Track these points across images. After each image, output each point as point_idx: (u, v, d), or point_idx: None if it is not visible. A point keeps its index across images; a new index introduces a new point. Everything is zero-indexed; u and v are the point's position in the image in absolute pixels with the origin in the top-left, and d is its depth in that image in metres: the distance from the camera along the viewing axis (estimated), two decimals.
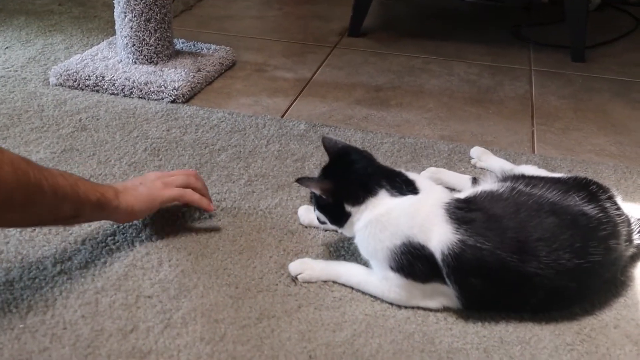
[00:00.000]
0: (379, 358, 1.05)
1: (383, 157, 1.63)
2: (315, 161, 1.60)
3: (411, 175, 1.20)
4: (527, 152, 1.72)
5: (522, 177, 1.25)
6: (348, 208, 1.16)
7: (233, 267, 1.24)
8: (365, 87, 2.08)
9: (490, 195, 1.18)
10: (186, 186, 1.33)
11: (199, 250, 1.28)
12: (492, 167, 1.57)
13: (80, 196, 1.11)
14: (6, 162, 0.96)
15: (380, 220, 1.12)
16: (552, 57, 2.39)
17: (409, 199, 1.14)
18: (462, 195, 1.23)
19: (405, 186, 1.16)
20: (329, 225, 1.23)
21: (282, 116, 1.87)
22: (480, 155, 1.61)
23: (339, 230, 1.22)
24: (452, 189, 1.48)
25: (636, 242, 1.23)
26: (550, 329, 1.12)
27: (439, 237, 1.08)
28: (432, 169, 1.54)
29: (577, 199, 1.16)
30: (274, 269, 1.24)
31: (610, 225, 1.14)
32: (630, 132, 1.85)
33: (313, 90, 2.05)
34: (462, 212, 1.12)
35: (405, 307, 1.15)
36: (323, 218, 1.22)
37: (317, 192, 1.18)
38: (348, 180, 1.17)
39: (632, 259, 1.27)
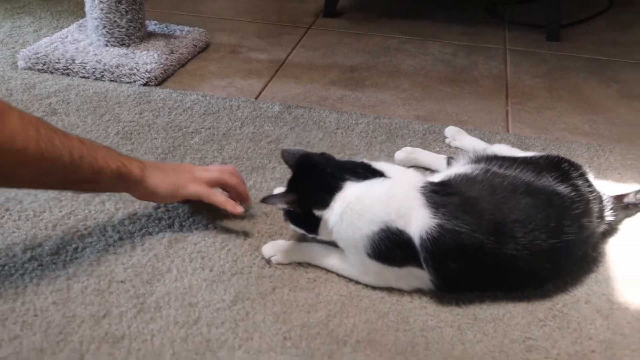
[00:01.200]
0: (353, 338, 1.05)
1: (358, 138, 1.62)
2: (290, 142, 1.59)
3: (378, 164, 1.18)
4: (502, 131, 1.72)
5: (496, 158, 1.25)
6: (318, 213, 1.13)
7: (207, 250, 1.23)
8: (340, 68, 2.07)
9: (465, 178, 1.18)
10: (218, 182, 1.29)
11: (172, 234, 1.27)
12: (466, 147, 1.57)
13: (99, 161, 1.09)
14: (15, 115, 0.96)
15: (354, 208, 1.10)
16: (527, 37, 2.39)
17: (381, 183, 1.12)
18: (436, 179, 1.22)
19: (370, 173, 1.14)
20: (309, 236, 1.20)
21: (256, 98, 1.85)
22: (455, 135, 1.61)
23: (318, 238, 1.18)
24: (427, 169, 1.49)
25: (608, 219, 1.24)
26: (523, 305, 1.13)
27: (417, 221, 1.07)
28: (408, 148, 1.53)
29: (551, 178, 1.16)
30: (248, 251, 1.23)
31: (582, 204, 1.14)
32: (604, 111, 1.86)
33: (287, 72, 2.03)
34: (439, 195, 1.11)
35: (380, 288, 1.15)
36: (300, 230, 1.20)
37: (284, 206, 1.15)
38: (311, 186, 1.15)
39: (604, 235, 1.29)
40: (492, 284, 1.14)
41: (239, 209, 1.26)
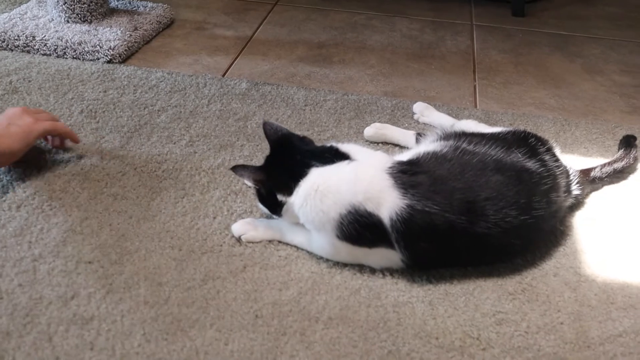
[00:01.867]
0: (325, 314, 1.05)
1: (326, 115, 1.61)
2: (258, 120, 1.57)
3: (345, 146, 1.16)
4: (470, 106, 1.73)
5: (465, 135, 1.25)
6: (281, 198, 1.13)
7: (176, 229, 1.21)
8: (308, 44, 2.05)
9: (434, 157, 1.17)
10: (53, 121, 1.35)
11: (140, 213, 1.25)
12: (434, 123, 1.57)
13: None
14: None
15: (318, 190, 1.09)
16: (492, 12, 2.40)
17: (347, 166, 1.11)
18: (405, 157, 1.21)
19: (336, 158, 1.13)
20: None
21: (223, 75, 1.83)
22: (423, 111, 1.61)
23: (283, 220, 1.18)
24: (396, 145, 1.49)
25: (575, 192, 1.26)
26: (493, 280, 1.14)
27: (387, 203, 1.07)
28: (377, 124, 1.53)
29: (519, 154, 1.17)
30: (218, 230, 1.22)
31: (550, 179, 1.16)
32: (569, 86, 1.88)
33: (254, 48, 2.01)
34: (407, 175, 1.10)
35: (352, 265, 1.15)
36: (265, 210, 1.19)
37: (250, 183, 1.15)
38: (279, 170, 1.14)
39: (571, 209, 1.30)
40: (463, 260, 1.15)
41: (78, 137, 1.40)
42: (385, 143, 1.50)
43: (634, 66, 2.01)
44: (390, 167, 1.12)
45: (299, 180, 1.11)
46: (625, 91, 1.85)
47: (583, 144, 1.56)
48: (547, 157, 1.20)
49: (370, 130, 1.51)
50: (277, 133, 1.19)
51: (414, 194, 1.07)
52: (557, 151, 1.27)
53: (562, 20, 2.36)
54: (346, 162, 1.11)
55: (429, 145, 1.24)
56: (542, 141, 1.25)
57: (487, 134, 1.26)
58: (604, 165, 1.38)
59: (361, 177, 1.09)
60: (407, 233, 1.06)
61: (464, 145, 1.19)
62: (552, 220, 1.18)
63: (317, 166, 1.11)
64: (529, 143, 1.22)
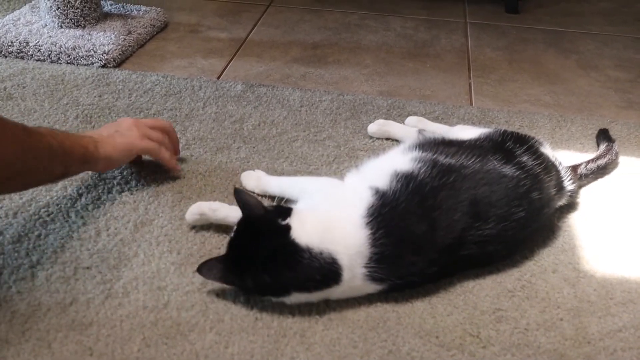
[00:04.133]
0: (325, 316, 1.05)
1: (322, 115, 1.61)
2: (254, 122, 1.57)
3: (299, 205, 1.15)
4: (465, 104, 1.73)
5: (443, 144, 1.23)
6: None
7: (174, 233, 1.21)
8: (302, 45, 2.05)
9: (407, 182, 1.11)
10: (160, 143, 1.33)
11: (137, 218, 1.24)
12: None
13: (68, 154, 1.12)
14: (8, 136, 0.97)
15: None
16: (486, 9, 2.40)
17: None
18: (376, 189, 1.12)
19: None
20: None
21: (218, 77, 1.82)
22: (417, 124, 1.58)
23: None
24: (399, 141, 1.48)
25: (568, 188, 1.26)
26: (491, 277, 1.14)
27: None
28: (380, 121, 1.54)
29: (495, 162, 1.16)
30: (215, 233, 1.21)
31: (529, 179, 1.15)
32: (563, 82, 1.88)
33: (249, 50, 2.01)
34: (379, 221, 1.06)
35: None
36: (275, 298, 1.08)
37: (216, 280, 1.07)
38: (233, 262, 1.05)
39: (569, 205, 1.30)
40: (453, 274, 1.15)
41: (179, 167, 1.37)
42: (388, 139, 1.52)
43: (628, 61, 2.02)
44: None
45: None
46: (620, 86, 1.85)
47: (579, 139, 1.57)
48: (525, 158, 1.19)
49: (373, 127, 1.52)
50: (245, 206, 1.08)
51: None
52: (546, 147, 1.27)
53: (556, 16, 2.36)
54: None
55: (407, 159, 1.18)
56: (521, 141, 1.24)
57: (465, 142, 1.25)
58: (588, 162, 1.39)
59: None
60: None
61: (442, 158, 1.16)
62: (538, 217, 1.17)
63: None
64: (505, 147, 1.21)
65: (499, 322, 1.06)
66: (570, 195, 1.28)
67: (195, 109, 1.62)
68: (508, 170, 1.15)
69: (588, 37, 2.20)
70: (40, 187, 1.29)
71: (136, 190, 1.31)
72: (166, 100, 1.66)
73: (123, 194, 1.30)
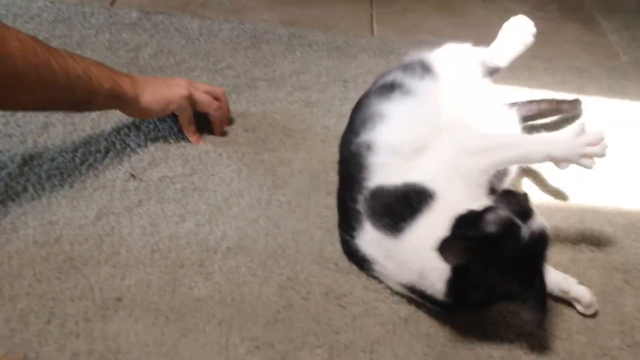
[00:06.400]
0: (223, 245, 1.05)
1: (222, 44, 1.57)
2: (150, 51, 1.51)
3: None
4: (367, 34, 1.72)
5: None
6: None
7: (65, 166, 1.16)
8: None
9: None
10: (209, 104, 1.26)
11: (25, 151, 1.18)
12: None
13: (93, 81, 1.05)
14: (13, 37, 0.92)
15: None
16: None
17: None
18: None
19: None
20: None
21: (112, 4, 1.73)
22: None
23: None
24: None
25: None
26: None
27: None
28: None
29: None
30: (110, 165, 1.17)
31: None
32: (464, 14, 1.90)
33: None
34: None
35: (249, 194, 1.15)
36: None
37: None
38: None
39: None
40: None
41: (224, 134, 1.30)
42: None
43: None
44: None
45: None
46: None
47: None
48: None
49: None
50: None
51: None
52: None
53: None
54: None
55: None
56: None
57: None
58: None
59: None
60: None
61: None
62: None
63: None
64: None
65: None
66: None
67: (87, 36, 1.54)
68: None
69: None
70: None
71: (23, 122, 1.25)
72: (55, 27, 1.56)
73: (8, 126, 1.23)
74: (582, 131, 1.02)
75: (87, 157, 1.19)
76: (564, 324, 1.01)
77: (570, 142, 1.00)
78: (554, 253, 1.11)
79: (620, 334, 1.00)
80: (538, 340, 0.97)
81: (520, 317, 0.97)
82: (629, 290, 1.08)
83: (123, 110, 1.18)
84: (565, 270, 1.07)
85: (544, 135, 1.24)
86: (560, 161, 1.01)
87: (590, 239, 1.17)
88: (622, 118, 1.50)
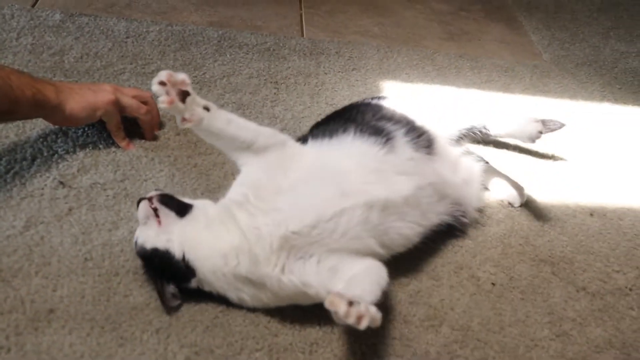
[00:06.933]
0: None
1: (150, 47, 1.55)
2: (76, 54, 1.47)
3: None
4: (296, 35, 1.73)
5: None
6: None
7: None
8: None
9: None
10: (137, 108, 1.23)
11: None
12: None
13: (15, 90, 1.01)
14: None
15: None
16: None
17: None
18: None
19: None
20: None
21: (33, 6, 1.68)
22: None
23: None
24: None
25: None
26: None
27: None
28: None
29: None
30: (37, 173, 1.14)
31: None
32: (391, 14, 1.93)
33: None
34: None
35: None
36: None
37: None
38: None
39: None
40: None
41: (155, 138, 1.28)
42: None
43: None
44: None
45: None
46: (443, 18, 1.94)
47: (405, 70, 1.63)
48: None
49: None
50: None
51: None
52: None
53: None
54: None
55: None
56: None
57: None
58: None
59: None
60: None
61: None
62: None
63: None
64: None
65: None
66: None
67: (8, 40, 1.49)
68: None
69: None
70: None
71: None
72: None
73: None
74: None
75: (12, 165, 1.15)
76: (496, 317, 1.04)
77: None
78: (485, 248, 1.16)
79: (549, 324, 1.05)
80: (474, 334, 1.00)
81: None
82: (556, 281, 1.13)
83: (48, 119, 1.15)
84: (496, 264, 1.11)
85: None
86: None
87: (518, 233, 1.21)
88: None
